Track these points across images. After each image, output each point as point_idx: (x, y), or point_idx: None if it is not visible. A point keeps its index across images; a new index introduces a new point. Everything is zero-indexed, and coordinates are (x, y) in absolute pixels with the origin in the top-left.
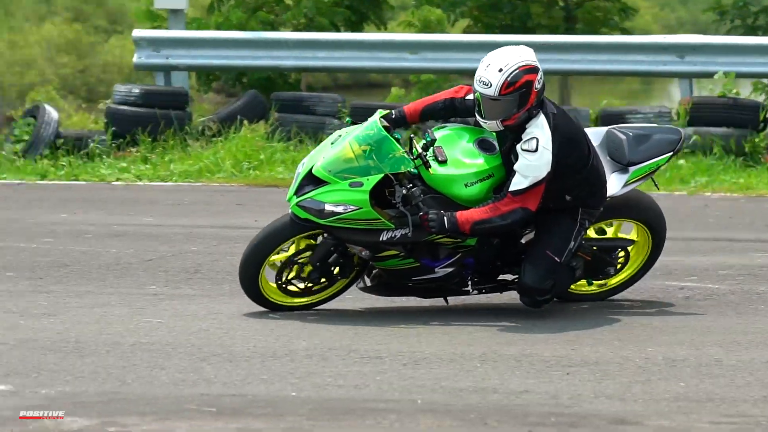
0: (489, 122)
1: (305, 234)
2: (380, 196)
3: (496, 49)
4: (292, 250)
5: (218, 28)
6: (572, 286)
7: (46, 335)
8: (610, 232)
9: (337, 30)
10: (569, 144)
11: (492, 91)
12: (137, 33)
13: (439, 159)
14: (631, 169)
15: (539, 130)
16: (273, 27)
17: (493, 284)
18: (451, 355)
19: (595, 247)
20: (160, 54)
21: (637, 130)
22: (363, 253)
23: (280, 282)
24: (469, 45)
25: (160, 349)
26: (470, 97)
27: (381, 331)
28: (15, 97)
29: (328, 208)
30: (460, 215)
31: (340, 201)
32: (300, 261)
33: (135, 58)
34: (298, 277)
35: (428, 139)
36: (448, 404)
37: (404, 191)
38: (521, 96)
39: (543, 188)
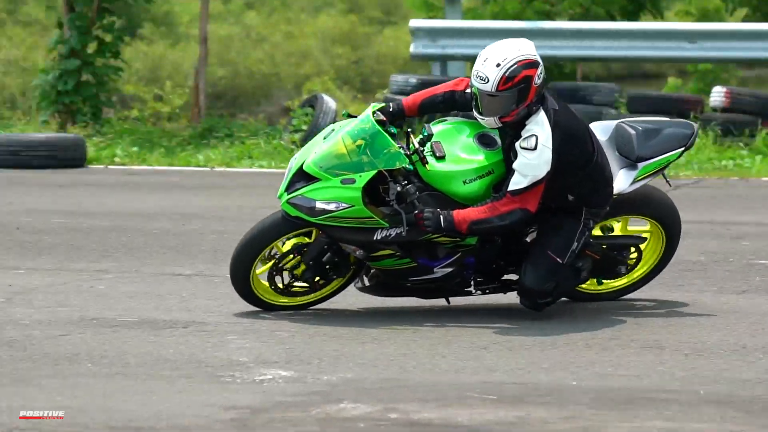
0: (486, 119)
1: (299, 232)
2: (375, 193)
3: (496, 42)
4: (288, 246)
5: (494, 17)
6: (584, 286)
7: (327, 322)
8: (617, 228)
9: (613, 19)
10: (571, 141)
11: (489, 87)
12: (414, 23)
13: (437, 155)
14: (641, 165)
15: (539, 127)
16: (548, 16)
17: (497, 284)
18: (733, 346)
19: (604, 246)
20: (436, 44)
21: (647, 124)
22: (357, 253)
23: (278, 288)
24: (748, 34)
25: (440, 337)
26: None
27: (659, 321)
28: (291, 87)
29: (319, 205)
30: (457, 214)
31: (332, 198)
32: (287, 267)
33: (411, 48)
34: (292, 277)
35: (425, 133)
36: (731, 395)
37: (399, 188)
38: (520, 92)
39: (543, 188)
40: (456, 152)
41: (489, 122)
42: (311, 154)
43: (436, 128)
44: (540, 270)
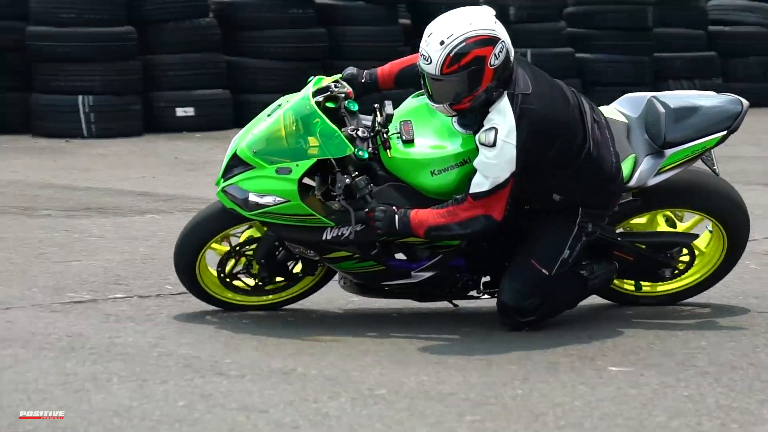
0: (436, 105)
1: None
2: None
3: (448, 11)
4: (244, 236)
5: None
6: (624, 287)
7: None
8: (683, 226)
9: None
10: (543, 134)
11: (432, 69)
12: None
13: (404, 138)
14: (668, 152)
15: (500, 117)
16: None
17: None
18: None
19: (643, 245)
20: None
21: (682, 100)
22: (309, 253)
23: (222, 275)
24: None
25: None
26: None
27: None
28: None
29: (252, 198)
30: (415, 215)
31: (265, 190)
32: (246, 253)
33: None
34: (246, 272)
35: (386, 112)
36: None
37: (348, 180)
38: (470, 75)
39: (508, 191)
40: (427, 135)
41: (440, 110)
42: (248, 135)
43: (409, 103)
44: (520, 284)
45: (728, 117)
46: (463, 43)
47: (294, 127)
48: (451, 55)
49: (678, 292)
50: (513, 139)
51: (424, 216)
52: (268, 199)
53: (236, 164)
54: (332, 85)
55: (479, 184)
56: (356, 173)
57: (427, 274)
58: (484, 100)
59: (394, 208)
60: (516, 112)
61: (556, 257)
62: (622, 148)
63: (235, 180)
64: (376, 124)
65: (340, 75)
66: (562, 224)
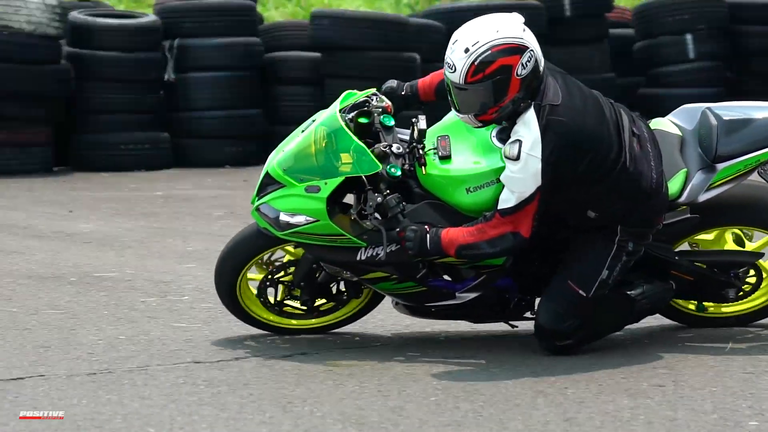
0: (462, 116)
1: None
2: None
3: (477, 18)
4: (288, 257)
5: None
6: (685, 307)
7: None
8: (752, 245)
9: None
10: (571, 147)
11: (457, 78)
12: None
13: (440, 153)
14: (720, 166)
15: (525, 129)
16: None
17: None
18: None
19: (704, 264)
20: None
21: (736, 112)
22: (346, 274)
23: (269, 305)
24: None
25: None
26: None
27: None
28: None
29: (283, 217)
30: (446, 234)
31: (295, 209)
32: (283, 280)
33: None
34: (289, 296)
35: (419, 127)
36: None
37: (379, 199)
38: (495, 84)
39: (535, 207)
40: (464, 151)
41: (465, 120)
42: (280, 153)
43: (449, 118)
44: (557, 305)
45: None
46: (489, 51)
47: (323, 144)
48: (476, 63)
49: (745, 314)
50: (538, 152)
51: (454, 235)
52: (299, 219)
53: (270, 182)
54: (370, 99)
55: (506, 200)
56: (388, 191)
57: (472, 295)
58: (512, 112)
59: (426, 227)
60: (542, 124)
61: (594, 278)
62: (673, 162)
63: (267, 199)
64: (412, 140)
65: (375, 89)
66: (601, 243)
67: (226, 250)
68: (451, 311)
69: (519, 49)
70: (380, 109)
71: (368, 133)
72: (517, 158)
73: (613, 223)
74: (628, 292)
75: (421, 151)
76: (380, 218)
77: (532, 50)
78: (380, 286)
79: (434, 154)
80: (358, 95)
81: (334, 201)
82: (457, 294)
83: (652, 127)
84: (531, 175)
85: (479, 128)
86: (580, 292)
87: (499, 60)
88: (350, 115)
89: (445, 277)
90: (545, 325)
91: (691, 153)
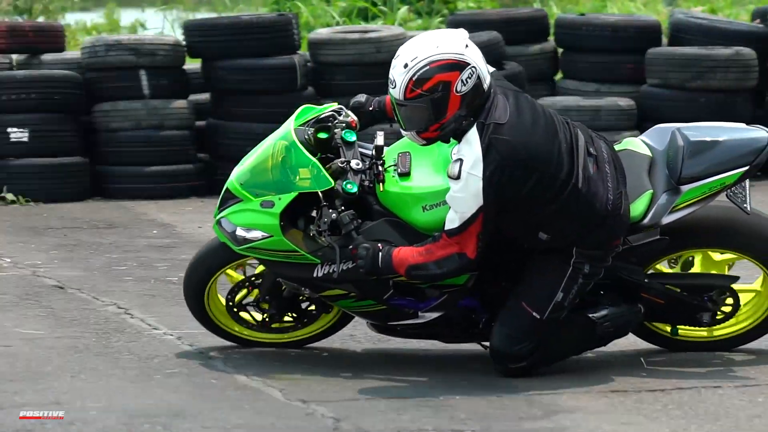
0: (406, 133)
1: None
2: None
3: (421, 33)
4: (259, 268)
5: None
6: (660, 329)
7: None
8: (699, 265)
9: None
10: (514, 167)
11: (397, 94)
12: None
13: (399, 170)
14: (684, 188)
15: (467, 148)
16: None
17: None
18: None
19: (676, 288)
20: None
21: (703, 133)
22: (305, 291)
23: (230, 303)
24: None
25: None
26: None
27: None
28: None
29: (240, 232)
30: (397, 253)
31: (251, 225)
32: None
33: None
34: (256, 305)
35: (376, 143)
36: None
37: (334, 215)
38: (434, 101)
39: (479, 228)
40: (424, 168)
41: (411, 138)
42: (240, 167)
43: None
44: (510, 328)
45: (750, 152)
46: (427, 67)
47: (279, 159)
48: (414, 79)
49: (727, 338)
50: (479, 171)
51: (405, 254)
52: (255, 234)
53: (229, 197)
54: (337, 113)
55: (451, 220)
56: (342, 208)
57: (436, 315)
58: (455, 130)
59: (379, 245)
60: (484, 143)
61: (548, 300)
62: (639, 183)
63: (225, 213)
64: (372, 156)
65: (334, 104)
66: (556, 265)
67: (193, 259)
68: (417, 330)
69: (459, 65)
70: (344, 124)
71: (329, 148)
72: (458, 177)
73: (567, 245)
74: (591, 315)
75: (380, 168)
76: (334, 235)
77: (474, 67)
78: (340, 304)
79: (394, 170)
80: (317, 109)
81: (294, 217)
82: (419, 313)
83: (623, 147)
84: (472, 195)
85: (425, 146)
86: (534, 314)
87: (437, 76)
88: (310, 130)
89: (408, 297)
90: (499, 347)
91: (659, 174)
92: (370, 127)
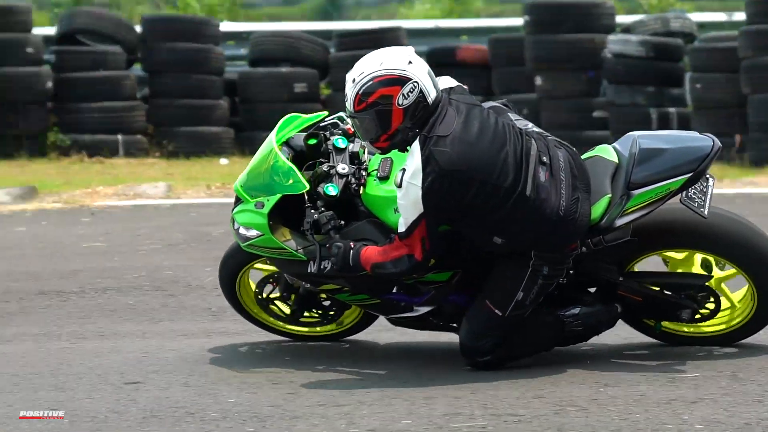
0: (364, 143)
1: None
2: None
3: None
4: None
5: None
6: (672, 327)
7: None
8: (720, 273)
9: None
10: (452, 177)
11: (348, 106)
12: None
13: (379, 174)
14: (634, 193)
15: (410, 158)
16: None
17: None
18: None
19: (656, 287)
20: None
21: (654, 141)
22: (306, 285)
23: (259, 297)
24: None
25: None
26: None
27: None
28: None
29: (242, 231)
30: (364, 252)
31: (248, 224)
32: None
33: None
34: (283, 299)
35: (352, 150)
36: None
37: (316, 216)
38: (378, 114)
39: (422, 233)
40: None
41: (368, 148)
42: (247, 168)
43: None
44: (474, 323)
45: (694, 159)
46: (371, 82)
47: (270, 163)
48: (359, 93)
49: (718, 334)
50: (418, 181)
51: (370, 253)
52: (252, 233)
53: (238, 198)
54: (336, 122)
55: (401, 224)
56: (323, 209)
57: (426, 309)
58: (403, 141)
59: (351, 244)
60: (424, 154)
61: (509, 299)
62: (600, 188)
63: (234, 212)
64: (358, 162)
65: (323, 113)
66: (516, 267)
67: (226, 253)
68: (414, 323)
69: (400, 80)
70: (341, 131)
71: (321, 154)
72: (400, 185)
73: (524, 248)
74: (561, 314)
75: (363, 172)
76: (318, 234)
77: (415, 82)
78: (338, 297)
79: (376, 175)
80: (307, 118)
81: (287, 216)
82: (414, 307)
83: (593, 154)
84: (412, 203)
85: (378, 153)
86: (497, 311)
87: (379, 90)
88: (302, 136)
89: (401, 292)
90: (464, 341)
91: (618, 179)
92: None
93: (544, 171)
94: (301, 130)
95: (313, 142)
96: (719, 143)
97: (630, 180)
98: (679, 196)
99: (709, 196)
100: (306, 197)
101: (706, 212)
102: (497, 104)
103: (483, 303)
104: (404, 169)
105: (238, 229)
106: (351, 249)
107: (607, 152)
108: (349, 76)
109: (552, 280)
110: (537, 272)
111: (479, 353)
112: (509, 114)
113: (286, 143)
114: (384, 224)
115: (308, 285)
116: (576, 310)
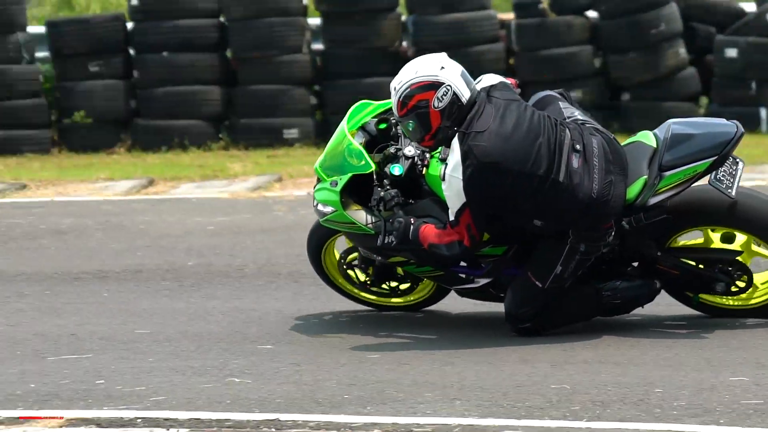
0: (414, 143)
1: None
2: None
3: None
4: None
5: None
6: (708, 297)
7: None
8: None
9: None
10: (490, 170)
11: (395, 112)
12: None
13: (441, 156)
14: (665, 174)
15: (451, 154)
16: None
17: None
18: None
19: (692, 262)
20: None
21: (685, 127)
22: (377, 257)
23: (342, 261)
24: None
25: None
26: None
27: None
28: None
29: (320, 207)
30: (423, 230)
31: (325, 201)
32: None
33: None
34: (363, 268)
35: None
36: None
37: (382, 193)
38: (419, 117)
39: (468, 221)
40: None
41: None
42: (324, 150)
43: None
44: (517, 294)
45: (719, 144)
46: (408, 89)
47: (344, 146)
48: (400, 99)
49: (757, 307)
50: (459, 173)
51: (428, 233)
52: (328, 209)
53: (318, 177)
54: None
55: (450, 213)
56: (388, 187)
57: (486, 280)
58: (445, 138)
59: (412, 220)
60: (463, 149)
61: (549, 272)
62: (637, 170)
63: (314, 190)
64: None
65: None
66: (556, 243)
67: (313, 226)
68: (477, 294)
69: (433, 86)
70: None
71: (391, 137)
72: (443, 178)
73: (562, 228)
74: (600, 287)
75: (427, 154)
76: (386, 211)
77: (448, 85)
78: (406, 268)
79: (439, 157)
80: (378, 105)
81: (360, 194)
82: (474, 279)
83: (634, 140)
84: (455, 194)
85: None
86: (537, 283)
87: (416, 96)
88: (374, 121)
89: (463, 265)
90: (507, 309)
91: (654, 162)
92: None
93: (577, 158)
94: (374, 116)
95: (383, 126)
96: (742, 129)
97: (662, 163)
98: (708, 177)
99: (737, 178)
100: (374, 176)
101: (733, 193)
102: (553, 93)
103: (526, 275)
104: (446, 164)
105: (317, 205)
106: (411, 225)
107: (647, 138)
108: (391, 86)
109: (589, 256)
110: (574, 249)
111: (520, 320)
112: (559, 103)
113: (362, 128)
114: (442, 202)
115: (379, 257)
116: (617, 284)
